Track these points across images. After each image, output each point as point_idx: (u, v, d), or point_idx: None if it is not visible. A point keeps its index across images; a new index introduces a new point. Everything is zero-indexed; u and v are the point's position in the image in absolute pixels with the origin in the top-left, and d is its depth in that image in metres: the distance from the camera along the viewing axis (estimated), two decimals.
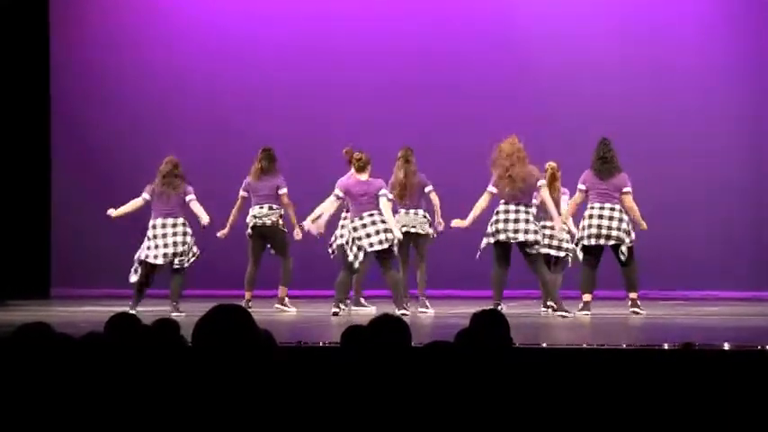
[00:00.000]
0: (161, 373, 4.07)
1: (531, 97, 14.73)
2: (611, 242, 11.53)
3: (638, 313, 11.48)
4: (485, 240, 11.43)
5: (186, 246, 11.87)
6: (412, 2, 15.41)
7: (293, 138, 14.56)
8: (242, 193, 12.53)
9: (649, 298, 12.31)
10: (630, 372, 6.37)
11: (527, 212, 11.43)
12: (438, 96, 14.89)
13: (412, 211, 12.26)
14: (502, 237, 11.33)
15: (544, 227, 11.69)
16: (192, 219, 12.01)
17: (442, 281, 13.14)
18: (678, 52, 14.68)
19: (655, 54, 14.68)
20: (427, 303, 12.10)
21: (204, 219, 11.96)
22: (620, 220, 11.51)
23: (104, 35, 15.55)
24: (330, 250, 12.31)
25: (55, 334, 4.10)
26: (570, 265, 12.05)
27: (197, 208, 11.99)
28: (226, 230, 12.50)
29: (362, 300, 12.63)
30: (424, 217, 12.27)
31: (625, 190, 11.59)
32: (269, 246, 12.52)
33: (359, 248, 11.56)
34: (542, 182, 11.51)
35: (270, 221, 12.42)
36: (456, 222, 11.65)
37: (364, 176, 11.76)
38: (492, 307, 8.10)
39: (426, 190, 12.31)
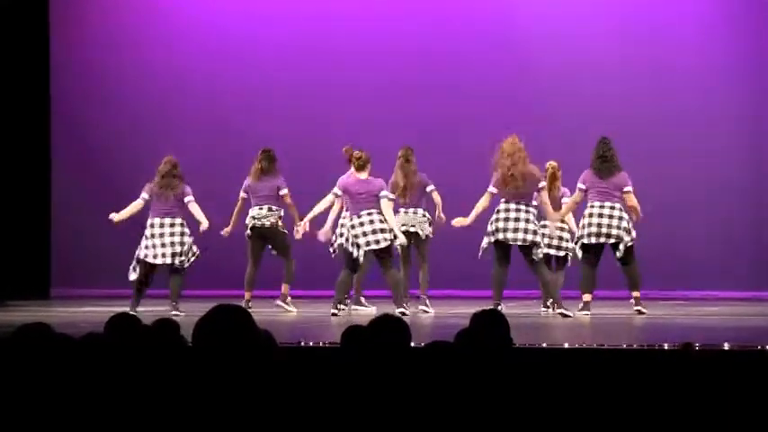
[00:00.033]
0: (161, 374, 4.07)
1: (531, 97, 14.73)
2: (612, 240, 11.53)
3: (641, 312, 11.48)
4: (485, 240, 11.43)
5: (185, 246, 11.86)
6: (412, 2, 15.42)
7: (293, 138, 14.56)
8: (242, 194, 12.51)
9: (649, 298, 12.30)
10: (630, 372, 6.36)
11: (527, 212, 11.41)
12: (438, 96, 14.89)
13: (411, 210, 12.27)
14: (500, 236, 11.32)
15: (544, 226, 11.70)
16: (190, 219, 12.01)
17: (442, 281, 13.13)
18: (678, 52, 14.69)
19: (655, 54, 14.68)
20: (428, 303, 12.11)
21: (204, 224, 11.96)
22: (620, 218, 11.51)
23: (104, 35, 15.55)
24: (331, 250, 12.30)
25: (55, 334, 4.09)
26: (570, 263, 12.06)
27: (196, 210, 11.99)
28: (229, 228, 12.48)
29: (362, 299, 12.63)
30: (424, 216, 12.28)
31: (626, 189, 11.58)
32: (269, 246, 12.51)
33: (357, 247, 11.55)
34: (543, 184, 11.51)
35: (269, 223, 12.40)
36: (457, 221, 11.65)
37: (364, 175, 11.76)
38: (492, 307, 8.10)
39: (428, 189, 12.32)
